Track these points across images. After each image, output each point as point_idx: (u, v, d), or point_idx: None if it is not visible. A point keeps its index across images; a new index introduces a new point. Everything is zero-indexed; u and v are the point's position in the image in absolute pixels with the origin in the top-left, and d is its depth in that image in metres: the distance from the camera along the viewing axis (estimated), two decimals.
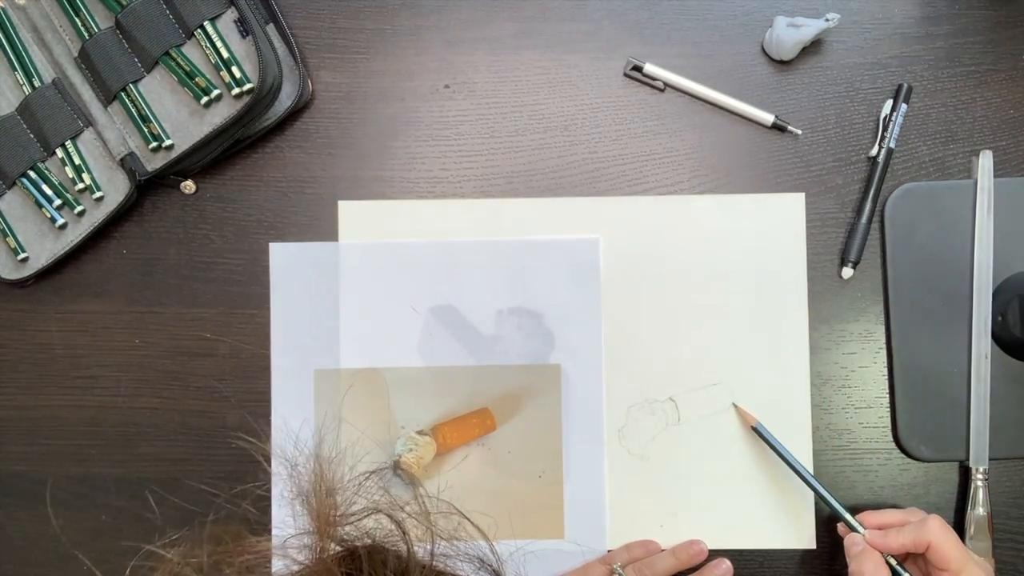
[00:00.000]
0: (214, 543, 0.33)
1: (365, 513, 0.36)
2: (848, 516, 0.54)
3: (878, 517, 0.54)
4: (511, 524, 0.59)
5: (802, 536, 0.59)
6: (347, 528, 0.35)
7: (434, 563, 0.34)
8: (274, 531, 0.35)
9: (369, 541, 0.34)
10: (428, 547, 0.35)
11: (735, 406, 0.59)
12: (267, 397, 0.60)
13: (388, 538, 0.35)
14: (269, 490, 0.39)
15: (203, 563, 0.31)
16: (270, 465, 0.39)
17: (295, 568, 0.33)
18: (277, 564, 0.33)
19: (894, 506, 0.59)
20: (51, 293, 0.62)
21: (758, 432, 0.58)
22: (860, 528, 0.53)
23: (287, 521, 0.36)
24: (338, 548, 0.34)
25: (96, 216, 0.60)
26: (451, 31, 0.62)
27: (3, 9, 0.61)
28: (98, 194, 0.60)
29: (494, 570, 0.37)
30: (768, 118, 0.60)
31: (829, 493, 0.55)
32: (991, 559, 0.57)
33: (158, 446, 0.61)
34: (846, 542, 0.53)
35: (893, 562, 0.51)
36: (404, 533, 0.35)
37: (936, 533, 0.50)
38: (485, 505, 0.60)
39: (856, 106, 0.61)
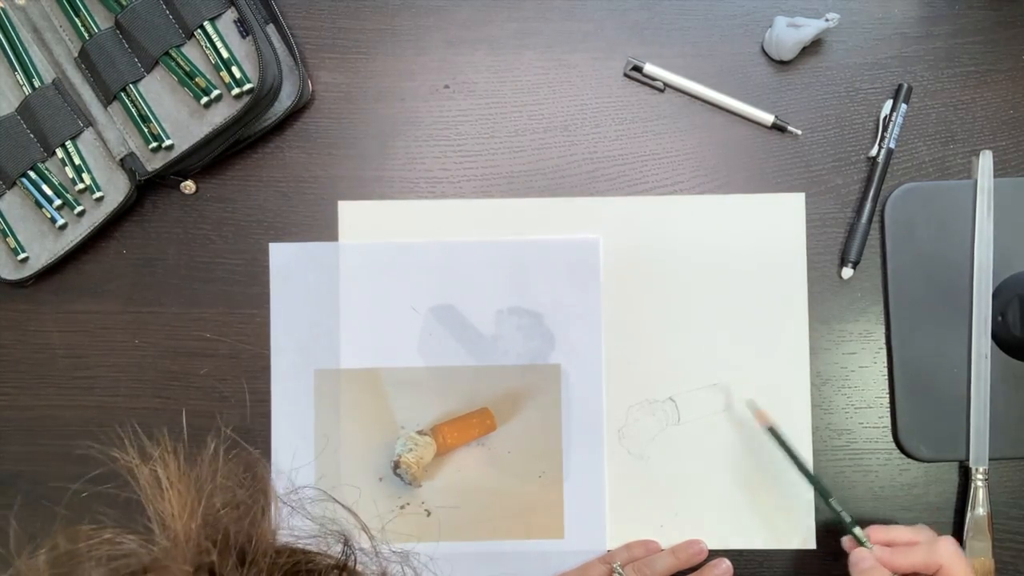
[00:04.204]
0: (68, 541, 0.31)
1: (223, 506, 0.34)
2: (856, 530, 0.53)
3: (886, 533, 0.53)
4: (511, 524, 0.59)
5: (802, 536, 0.59)
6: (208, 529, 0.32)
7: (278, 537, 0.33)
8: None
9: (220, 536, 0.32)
10: (274, 526, 0.34)
11: (751, 405, 0.58)
12: (267, 397, 0.60)
13: (242, 520, 0.33)
14: (127, 491, 0.37)
15: (57, 556, 0.31)
16: (118, 465, 0.38)
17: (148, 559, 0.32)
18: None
19: (896, 520, 0.59)
20: (51, 293, 0.62)
21: (773, 434, 0.56)
22: (867, 543, 0.52)
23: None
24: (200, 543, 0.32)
25: (96, 216, 0.60)
26: (451, 31, 0.62)
27: (3, 9, 0.61)
28: (98, 194, 0.60)
29: (347, 542, 0.34)
30: (768, 118, 0.60)
31: (838, 503, 0.54)
32: (991, 559, 0.57)
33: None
34: (852, 556, 0.52)
35: None
36: (263, 510, 0.33)
37: (948, 557, 0.49)
38: (485, 505, 0.60)
39: (856, 106, 0.61)
